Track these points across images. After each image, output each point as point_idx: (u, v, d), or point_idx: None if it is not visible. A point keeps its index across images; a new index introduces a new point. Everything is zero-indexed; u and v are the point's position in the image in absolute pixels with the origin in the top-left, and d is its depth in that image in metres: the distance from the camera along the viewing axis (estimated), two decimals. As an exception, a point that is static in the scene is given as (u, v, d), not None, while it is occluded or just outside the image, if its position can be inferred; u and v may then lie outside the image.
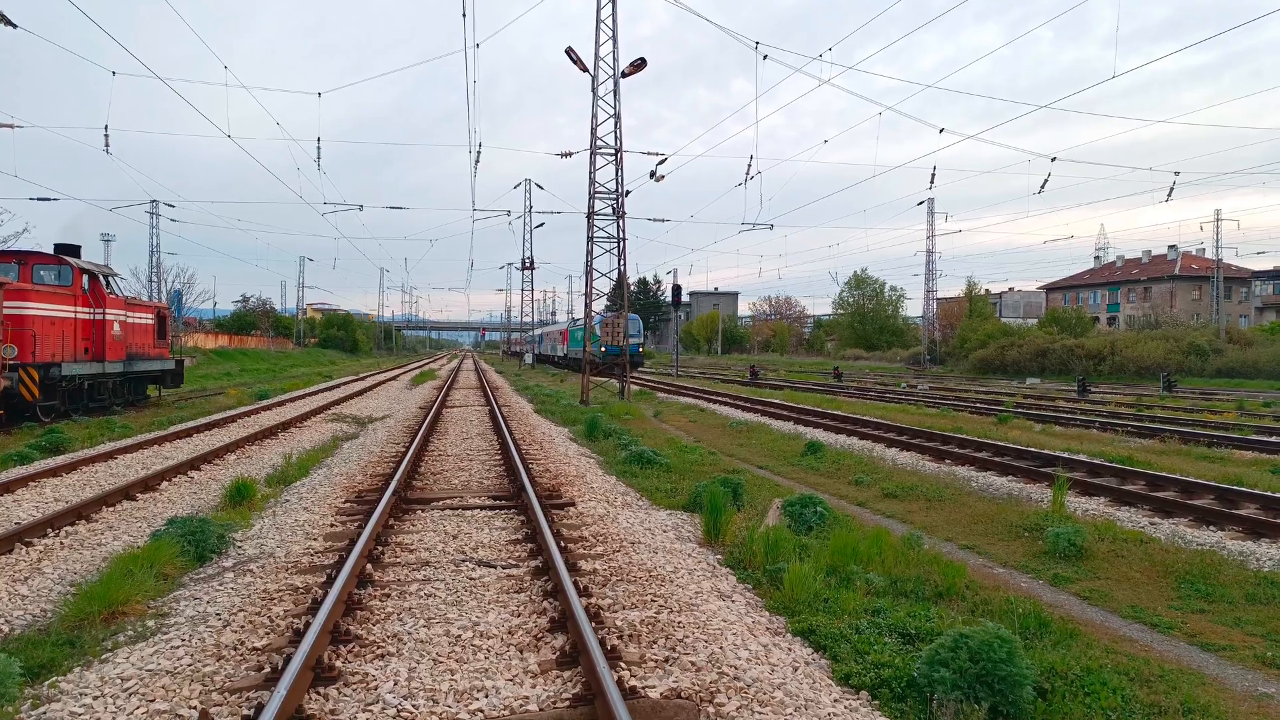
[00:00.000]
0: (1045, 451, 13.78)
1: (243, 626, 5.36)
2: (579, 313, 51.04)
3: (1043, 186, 27.28)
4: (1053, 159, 25.11)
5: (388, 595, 6.07)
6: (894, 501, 11.00)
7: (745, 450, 16.08)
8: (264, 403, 24.06)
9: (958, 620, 5.49)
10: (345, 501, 9.57)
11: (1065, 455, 13.29)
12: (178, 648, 4.98)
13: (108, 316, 19.35)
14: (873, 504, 10.97)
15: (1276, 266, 76.93)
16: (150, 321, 22.36)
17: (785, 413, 22.02)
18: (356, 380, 39.80)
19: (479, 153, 27.93)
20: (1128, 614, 6.50)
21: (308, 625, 4.95)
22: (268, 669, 4.63)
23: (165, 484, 10.89)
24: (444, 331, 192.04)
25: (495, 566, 6.88)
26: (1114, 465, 12.32)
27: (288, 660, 4.42)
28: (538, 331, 74.93)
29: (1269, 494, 9.95)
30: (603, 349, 38.04)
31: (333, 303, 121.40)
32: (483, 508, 9.32)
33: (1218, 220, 60.85)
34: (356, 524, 8.23)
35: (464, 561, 7.00)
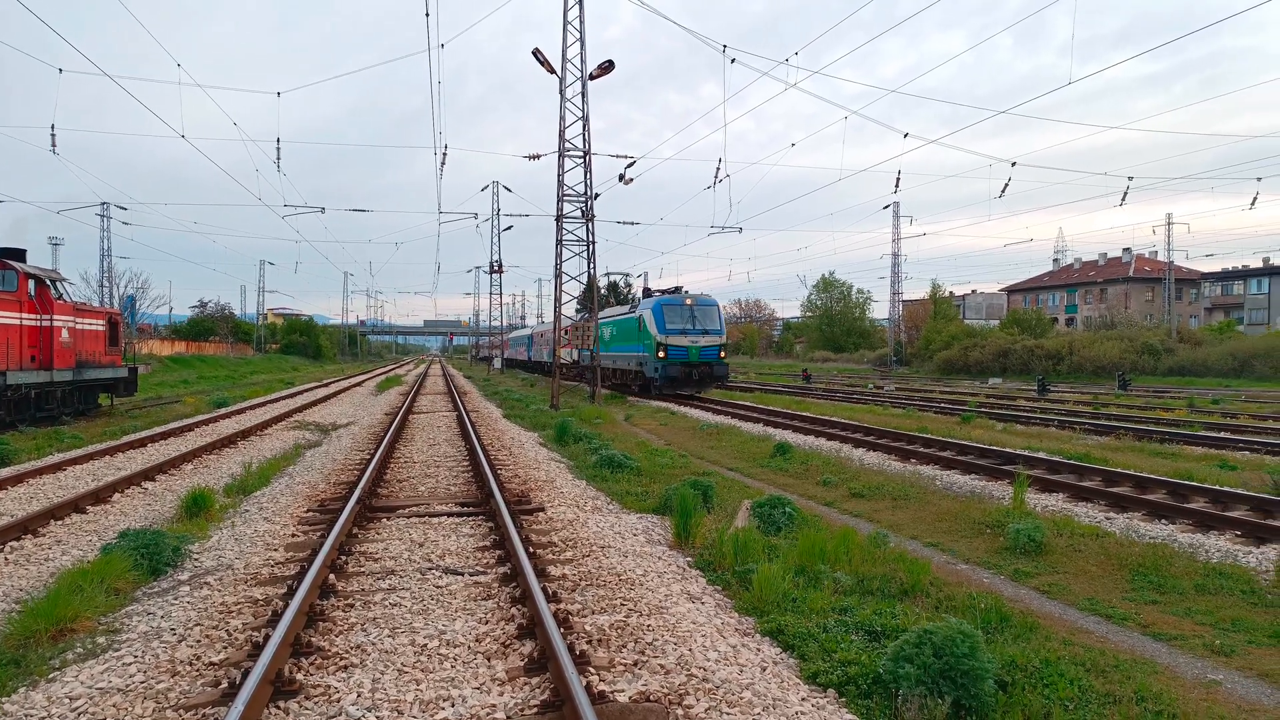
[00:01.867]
0: (1007, 450, 14.00)
1: (199, 641, 5.25)
2: (549, 316, 42.60)
3: (1003, 190, 27.77)
4: (1013, 164, 25.52)
5: (351, 605, 6.00)
6: (861, 501, 11.10)
7: (716, 453, 16.13)
8: (223, 410, 23.64)
9: (922, 617, 5.56)
10: (308, 511, 9.43)
11: (1026, 453, 13.52)
12: (130, 664, 4.86)
13: (55, 323, 18.86)
14: (840, 504, 11.07)
15: (1224, 269, 79.10)
16: (101, 328, 21.83)
17: (755, 415, 22.16)
18: (320, 387, 39.27)
19: (445, 155, 27.68)
20: (1085, 606, 6.63)
21: (267, 638, 4.87)
22: (225, 684, 4.53)
23: (117, 496, 10.64)
24: (411, 336, 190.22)
25: (463, 574, 6.82)
26: (1072, 462, 12.56)
27: (246, 674, 4.34)
28: (521, 333, 69.50)
29: (1217, 488, 10.23)
30: (582, 353, 34.67)
31: (295, 308, 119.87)
32: (450, 514, 9.24)
33: (1169, 224, 62.47)
34: (319, 533, 8.11)
35: (430, 569, 6.94)
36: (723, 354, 28.65)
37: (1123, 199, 31.45)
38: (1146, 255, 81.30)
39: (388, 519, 9.04)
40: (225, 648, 5.15)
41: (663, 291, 31.02)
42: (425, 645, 5.17)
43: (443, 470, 12.45)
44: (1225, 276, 79.95)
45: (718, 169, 26.72)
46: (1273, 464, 13.25)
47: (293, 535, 8.29)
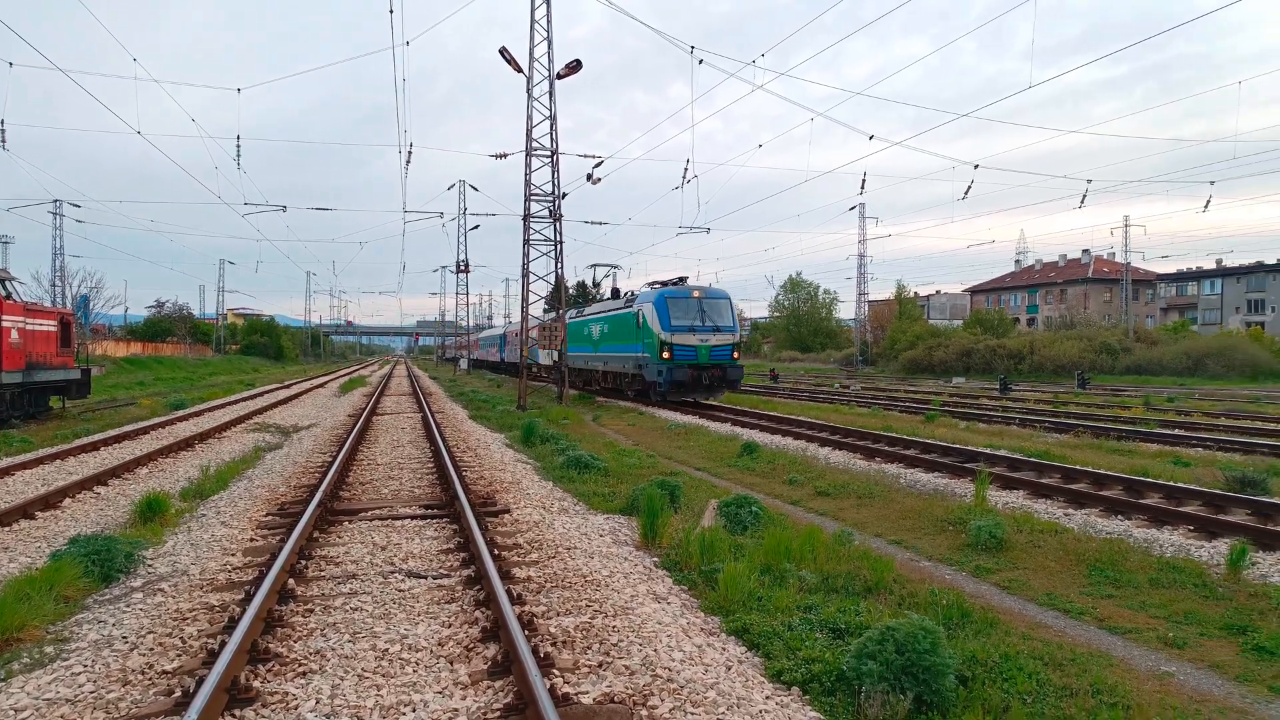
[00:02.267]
0: (969, 448, 14.19)
1: (152, 649, 5.12)
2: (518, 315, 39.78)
3: (966, 192, 28.17)
4: (975, 166, 25.87)
5: (311, 611, 5.89)
6: (827, 499, 11.18)
7: (683, 452, 16.15)
8: (180, 413, 23.17)
9: (885, 614, 5.60)
10: (267, 515, 9.27)
11: (987, 451, 13.72)
12: (79, 674, 4.73)
13: (4, 324, 18.32)
14: (806, 502, 11.13)
15: (1179, 270, 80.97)
16: (53, 328, 21.26)
17: (722, 414, 22.24)
18: (281, 388, 38.68)
19: (410, 153, 27.39)
20: (1043, 601, 6.73)
21: (223, 644, 4.76)
22: (179, 693, 4.43)
23: (69, 501, 10.36)
24: (375, 337, 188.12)
25: (426, 577, 6.74)
26: (1032, 460, 12.76)
27: (200, 682, 4.25)
28: (490, 333, 65.95)
29: (1171, 484, 10.47)
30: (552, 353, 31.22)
31: (256, 308, 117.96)
32: (414, 517, 9.13)
33: (1126, 226, 63.96)
34: (279, 537, 7.97)
35: (393, 573, 6.85)
36: (736, 354, 24.61)
37: (1082, 201, 32.03)
38: (1105, 256, 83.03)
39: (350, 522, 8.91)
40: (179, 655, 5.03)
41: (663, 283, 26.71)
42: (386, 650, 5.10)
43: (406, 472, 12.31)
44: (1180, 278, 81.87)
45: (685, 169, 26.79)
46: (1224, 460, 13.57)
47: (251, 540, 8.14)
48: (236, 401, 29.19)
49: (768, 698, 4.49)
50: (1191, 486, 10.38)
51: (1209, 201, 61.44)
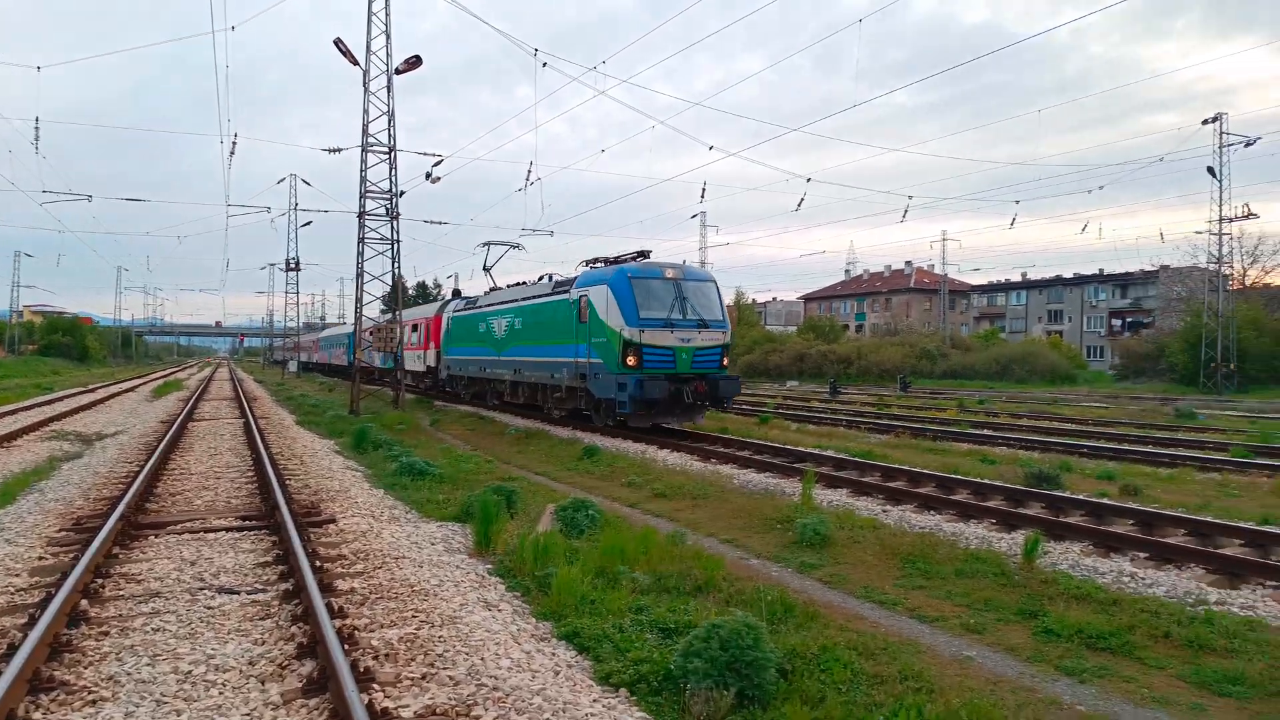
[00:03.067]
0: (799, 449, 14.84)
1: (-94, 686, 4.49)
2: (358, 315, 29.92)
3: (800, 204, 29.69)
4: (808, 179, 27.33)
5: (106, 633, 5.37)
6: (663, 501, 11.36)
7: (524, 457, 15.98)
8: (-38, 420, 20.62)
9: (712, 612, 5.73)
10: (60, 530, 8.38)
11: (816, 451, 14.40)
12: None
13: None
14: (644, 504, 11.27)
15: (990, 282, 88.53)
16: None
17: (513, 409, 22.10)
18: (85, 392, 35.22)
19: (234, 143, 25.70)
20: (861, 594, 7.11)
21: (-6, 676, 4.24)
22: (-65, 734, 3.90)
23: None
24: (195, 337, 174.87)
25: (239, 593, 6.30)
26: (856, 459, 13.52)
27: (-40, 721, 3.76)
28: (333, 331, 58.91)
29: (978, 481, 11.37)
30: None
31: (57, 305, 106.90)
32: (229, 529, 8.52)
33: (944, 240, 69.59)
34: (72, 555, 7.22)
35: (202, 589, 6.36)
36: (725, 361, 17.82)
37: (904, 216, 34.45)
38: (925, 268, 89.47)
39: (156, 536, 8.20)
40: (-64, 693, 4.43)
41: (611, 260, 19.27)
42: (190, 672, 4.71)
43: (224, 482, 11.49)
44: (990, 289, 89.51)
45: (529, 171, 26.62)
46: (1025, 457, 14.88)
47: (40, 558, 7.33)
48: (30, 407, 26.30)
49: (595, 700, 4.48)
50: (995, 483, 11.31)
51: (1014, 219, 67.92)
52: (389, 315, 29.28)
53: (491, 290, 26.59)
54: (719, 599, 6.40)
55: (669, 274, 17.54)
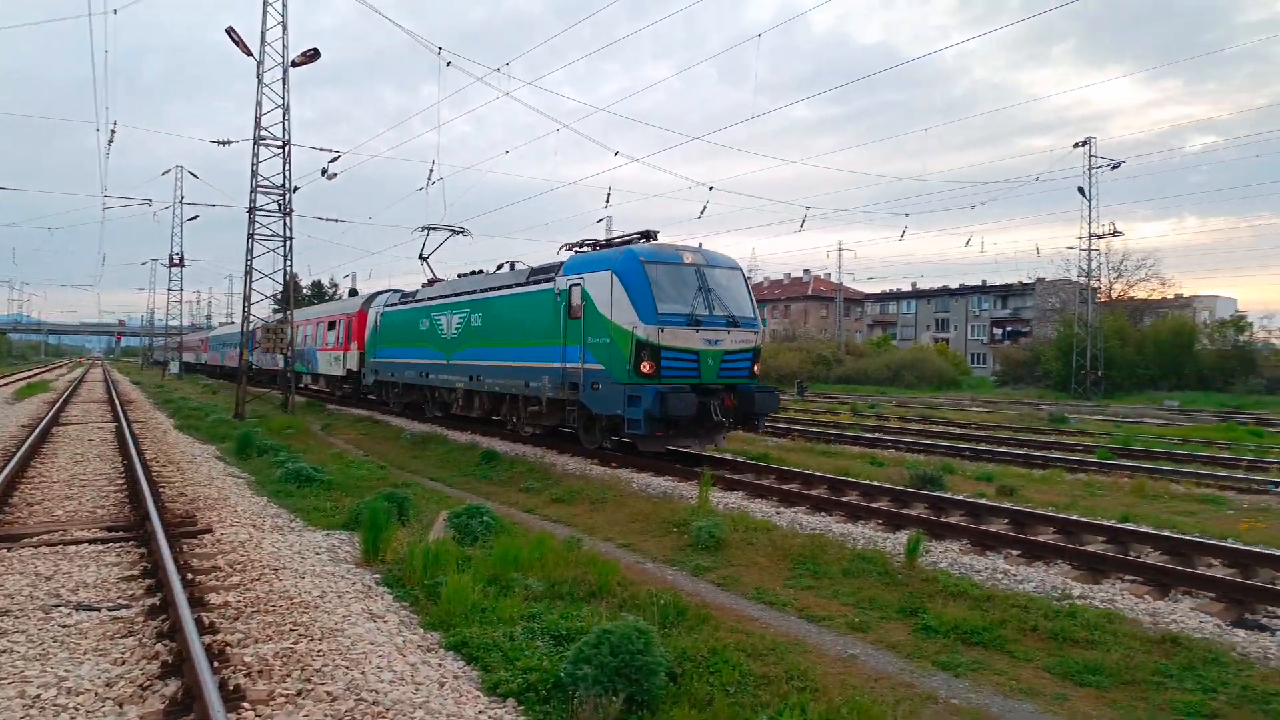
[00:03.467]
0: (698, 452, 14.99)
1: None
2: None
3: (703, 211, 30.09)
4: (710, 188, 27.71)
5: (-58, 658, 4.91)
6: (562, 506, 11.28)
7: (420, 463, 15.59)
8: None
9: (604, 617, 5.70)
10: (-106, 545, 7.66)
11: (713, 454, 14.57)
12: None
13: None
14: (542, 509, 11.16)
15: (882, 291, 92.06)
16: None
17: (465, 423, 21.72)
18: (-63, 395, 32.46)
19: (113, 131, 24.25)
20: (753, 595, 7.22)
21: None
22: None
23: None
24: (67, 335, 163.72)
25: (99, 609, 5.88)
26: (752, 462, 13.76)
27: None
28: (223, 330, 54.51)
29: (867, 483, 11.74)
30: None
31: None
32: (93, 541, 7.97)
33: (840, 250, 71.72)
34: (-94, 572, 6.60)
35: (58, 606, 5.91)
36: (756, 368, 14.34)
37: (801, 225, 35.37)
38: (823, 276, 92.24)
39: (8, 550, 7.59)
40: None
41: (615, 241, 15.77)
42: (39, 696, 4.36)
43: (90, 490, 10.75)
44: (882, 298, 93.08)
45: (431, 170, 26.04)
46: (911, 460, 15.46)
47: None
48: None
49: (480, 712, 4.38)
50: (883, 485, 11.69)
51: (904, 231, 70.96)
52: (280, 315, 27.93)
53: (432, 282, 23.12)
54: (613, 604, 6.37)
55: (688, 258, 14.16)
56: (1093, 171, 43.37)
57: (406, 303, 23.21)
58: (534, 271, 16.80)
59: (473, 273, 20.60)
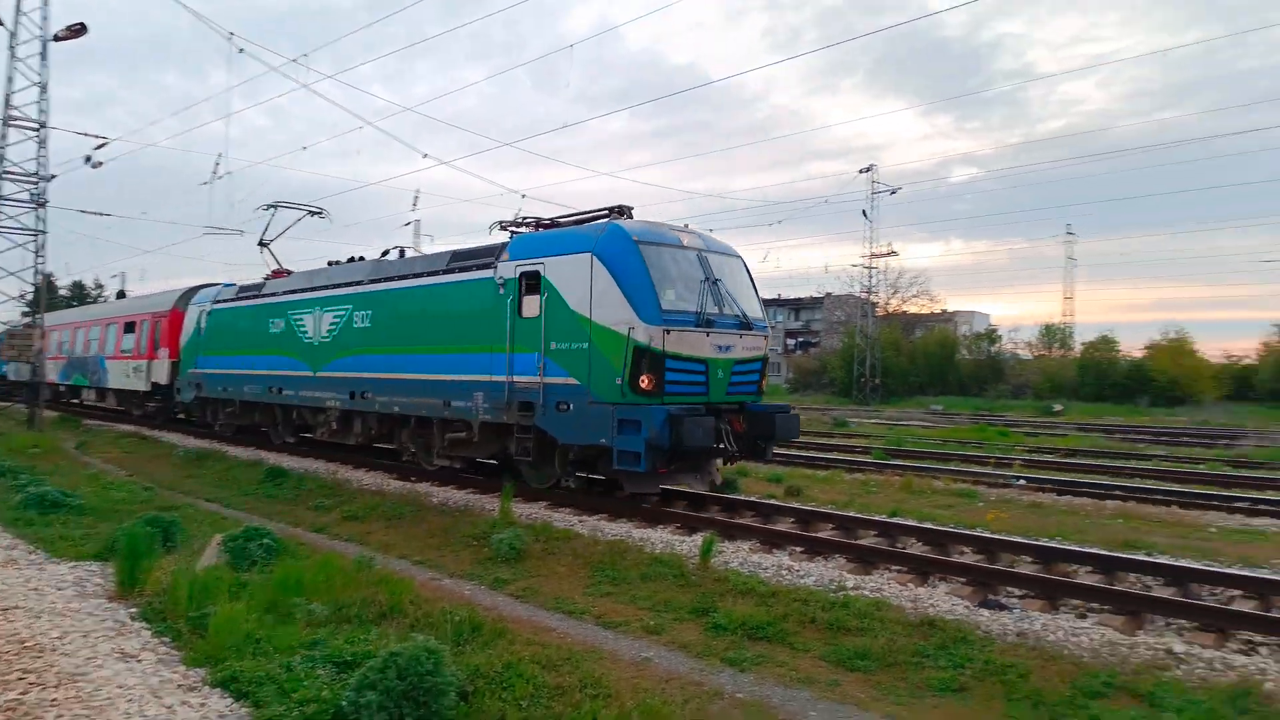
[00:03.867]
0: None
1: None
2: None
3: (515, 218, 29.72)
4: (523, 195, 27.59)
5: None
6: (355, 524, 10.74)
7: (195, 482, 14.28)
8: None
9: (394, 639, 5.44)
10: None
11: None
12: None
13: None
14: (333, 528, 10.57)
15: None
16: None
17: (244, 439, 20.14)
18: None
19: None
20: (551, 606, 7.19)
21: None
22: None
23: None
24: None
25: None
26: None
27: None
28: None
29: (672, 487, 12.01)
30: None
31: None
32: None
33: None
34: None
35: None
36: (764, 380, 11.46)
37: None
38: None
39: None
40: None
41: (585, 216, 12.16)
42: None
43: None
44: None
45: (217, 164, 24.01)
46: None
47: None
48: None
49: (248, 753, 4.04)
50: (683, 489, 12.00)
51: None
52: (27, 321, 24.79)
53: (276, 275, 18.88)
54: (405, 624, 6.11)
55: (686, 240, 11.13)
56: (875, 196, 47.47)
57: (248, 298, 18.51)
58: (457, 256, 12.97)
59: (353, 259, 16.42)
